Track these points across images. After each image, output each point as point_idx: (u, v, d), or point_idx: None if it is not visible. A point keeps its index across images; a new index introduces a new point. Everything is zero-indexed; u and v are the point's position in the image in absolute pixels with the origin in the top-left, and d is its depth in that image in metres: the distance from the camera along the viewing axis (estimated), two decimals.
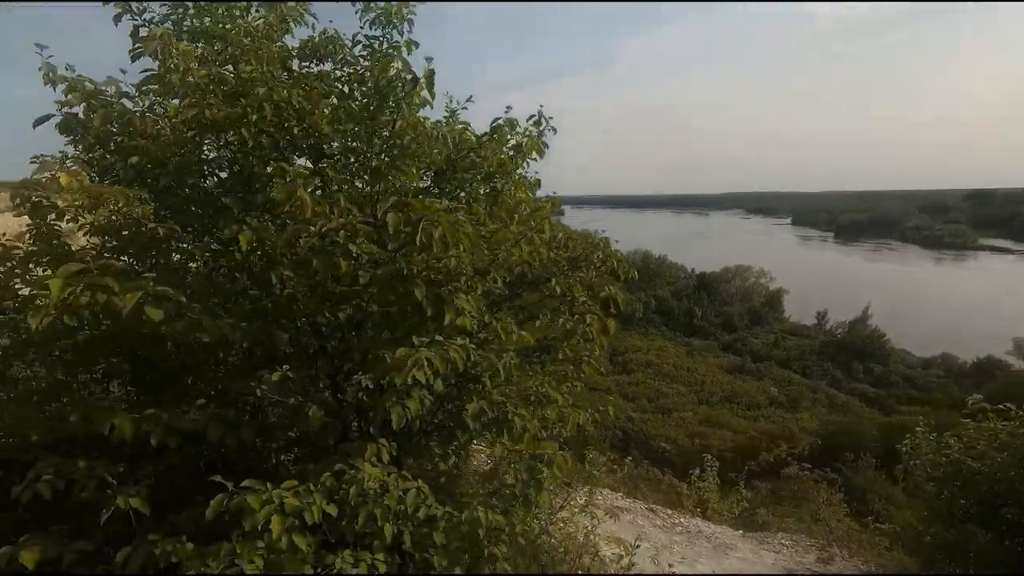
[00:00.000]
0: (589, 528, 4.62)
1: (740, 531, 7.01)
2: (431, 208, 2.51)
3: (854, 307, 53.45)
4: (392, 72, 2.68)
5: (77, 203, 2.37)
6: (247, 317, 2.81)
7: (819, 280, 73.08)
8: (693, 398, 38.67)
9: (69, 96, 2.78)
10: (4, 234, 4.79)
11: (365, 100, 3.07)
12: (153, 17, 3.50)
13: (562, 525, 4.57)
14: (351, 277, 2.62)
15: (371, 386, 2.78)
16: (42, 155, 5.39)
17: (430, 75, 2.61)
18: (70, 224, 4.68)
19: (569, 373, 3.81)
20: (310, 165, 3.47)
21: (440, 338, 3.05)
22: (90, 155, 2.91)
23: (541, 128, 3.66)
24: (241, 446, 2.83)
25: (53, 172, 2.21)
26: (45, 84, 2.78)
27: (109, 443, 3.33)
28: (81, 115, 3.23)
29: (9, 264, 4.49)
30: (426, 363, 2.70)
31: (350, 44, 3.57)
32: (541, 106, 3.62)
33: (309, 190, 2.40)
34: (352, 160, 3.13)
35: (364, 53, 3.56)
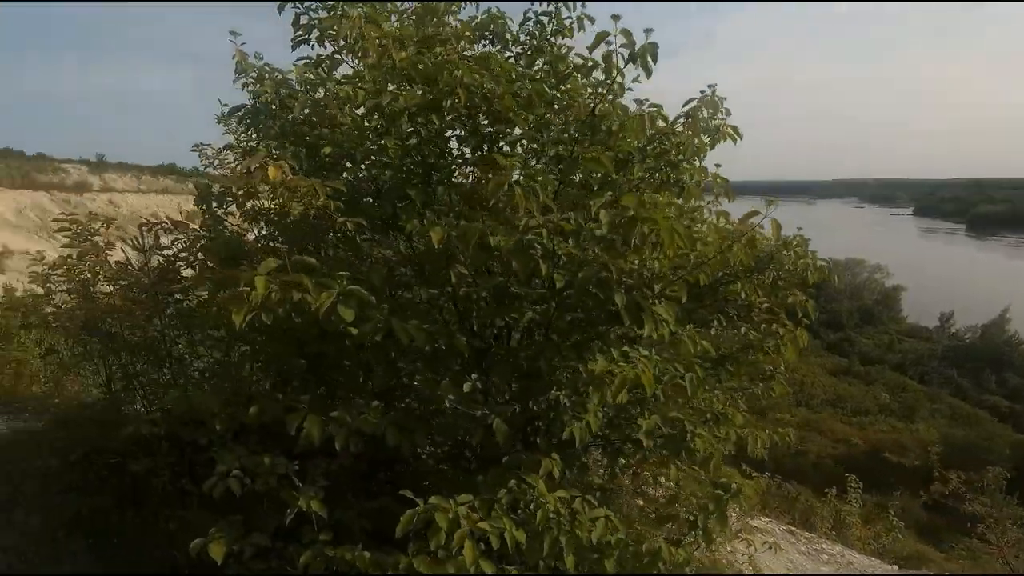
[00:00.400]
0: (747, 556, 4.19)
1: (894, 565, 6.23)
2: (646, 204, 2.18)
3: (988, 309, 47.42)
4: (603, 47, 2.35)
5: (264, 194, 2.27)
6: (425, 317, 2.64)
7: (945, 278, 65.58)
8: (791, 399, 36.16)
9: (259, 85, 2.72)
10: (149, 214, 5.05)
11: (542, 81, 2.78)
12: (311, 5, 3.42)
13: (713, 551, 4.17)
14: (548, 279, 2.36)
15: (567, 402, 2.52)
16: (201, 143, 5.64)
17: (652, 49, 2.26)
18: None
19: (758, 391, 3.38)
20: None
21: (626, 348, 2.74)
22: (270, 144, 2.83)
23: (719, 108, 3.18)
24: (412, 452, 2.69)
25: (263, 162, 2.11)
26: (237, 74, 2.73)
27: (281, 434, 3.36)
28: (249, 102, 3.21)
29: (176, 251, 4.74)
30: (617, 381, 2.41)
31: (519, 22, 3.30)
32: (715, 85, 3.13)
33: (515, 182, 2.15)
34: (531, 147, 2.87)
35: (535, 31, 3.28)
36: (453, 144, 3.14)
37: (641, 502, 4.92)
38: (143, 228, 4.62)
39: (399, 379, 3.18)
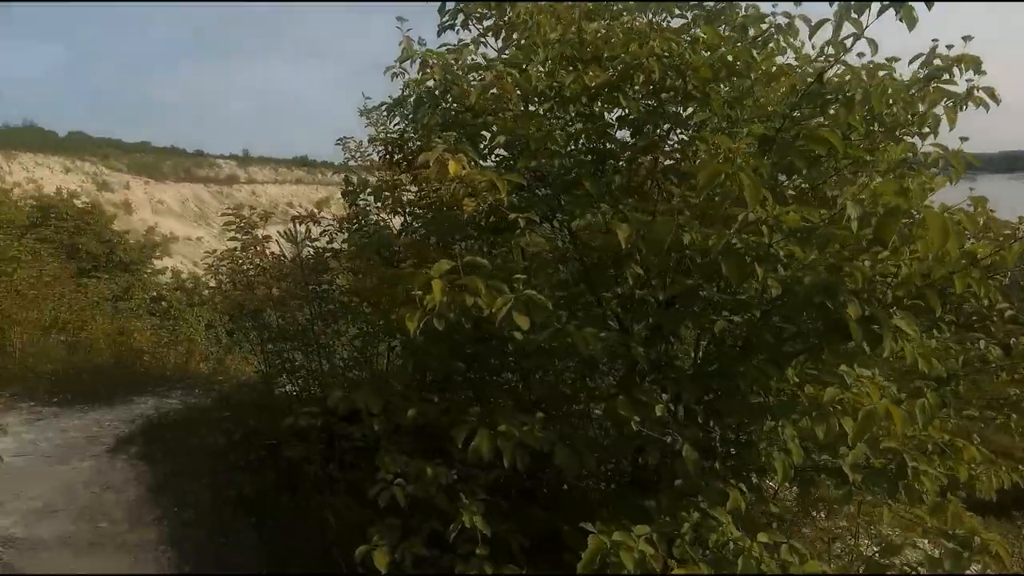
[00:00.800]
0: None
1: None
2: (908, 193, 1.71)
3: None
4: None
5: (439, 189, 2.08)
6: (599, 324, 2.36)
7: None
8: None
9: (424, 72, 2.54)
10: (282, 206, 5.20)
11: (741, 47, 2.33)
12: None
13: None
14: (762, 284, 1.97)
15: (787, 434, 2.13)
16: (345, 137, 5.76)
17: None
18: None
19: (1011, 422, 2.74)
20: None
21: (844, 368, 2.27)
22: (448, 137, 2.65)
23: (979, 67, 2.47)
24: (579, 473, 2.43)
25: (442, 156, 1.92)
26: (402, 61, 2.59)
27: (434, 434, 3.28)
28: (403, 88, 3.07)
29: (325, 242, 4.88)
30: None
31: None
32: (970, 37, 2.43)
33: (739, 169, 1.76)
34: (720, 126, 2.45)
35: None
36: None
37: (807, 530, 4.34)
38: (296, 220, 4.79)
39: (556, 387, 2.95)
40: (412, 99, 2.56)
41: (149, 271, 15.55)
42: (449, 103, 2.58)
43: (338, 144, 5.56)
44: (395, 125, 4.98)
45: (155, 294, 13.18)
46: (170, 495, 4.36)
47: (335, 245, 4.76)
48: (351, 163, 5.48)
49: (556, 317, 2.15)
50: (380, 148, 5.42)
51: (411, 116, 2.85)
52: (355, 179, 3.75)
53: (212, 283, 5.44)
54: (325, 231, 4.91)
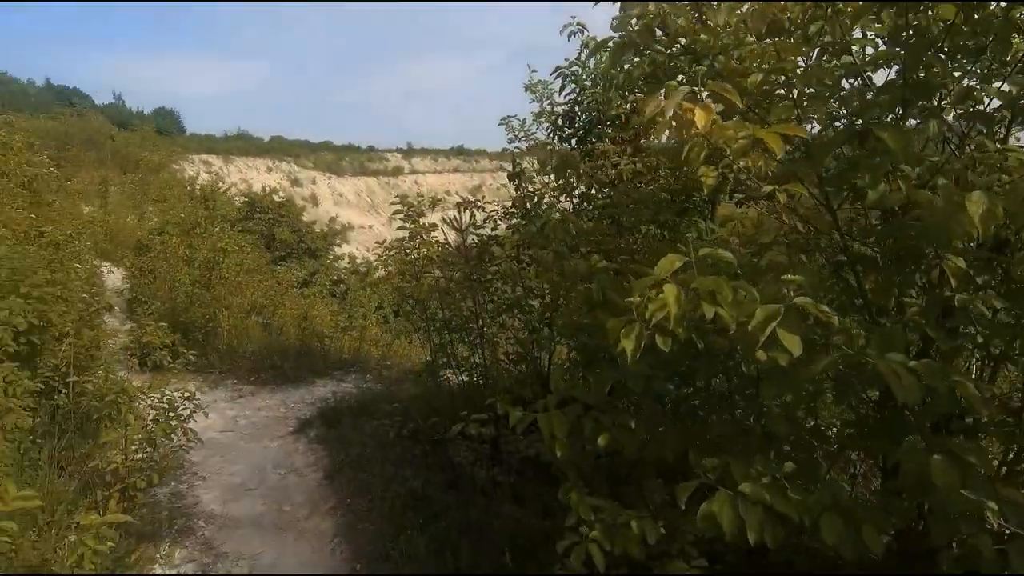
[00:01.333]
0: None
1: None
2: None
3: None
4: None
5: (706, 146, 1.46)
6: (892, 343, 1.58)
7: None
8: None
9: (624, 12, 1.93)
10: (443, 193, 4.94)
11: None
12: None
13: None
14: None
15: None
16: (509, 116, 5.38)
17: None
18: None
19: None
20: None
21: None
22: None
23: None
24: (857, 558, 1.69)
25: (683, 105, 1.32)
26: (597, 1, 2.01)
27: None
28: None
29: (490, 229, 4.55)
30: None
31: None
32: None
33: None
34: None
35: None
36: None
37: None
38: (460, 207, 4.53)
39: (794, 421, 2.21)
40: (613, 43, 1.97)
41: (331, 257, 17.14)
42: (659, 46, 1.94)
43: (502, 124, 5.19)
44: (566, 96, 4.45)
45: (336, 278, 14.42)
46: (344, 484, 4.40)
47: (499, 232, 4.43)
48: (514, 144, 5.09)
49: (850, 335, 1.44)
50: (546, 124, 4.94)
51: (611, 72, 2.27)
52: (536, 159, 3.29)
53: (381, 272, 5.43)
54: (489, 216, 4.60)
